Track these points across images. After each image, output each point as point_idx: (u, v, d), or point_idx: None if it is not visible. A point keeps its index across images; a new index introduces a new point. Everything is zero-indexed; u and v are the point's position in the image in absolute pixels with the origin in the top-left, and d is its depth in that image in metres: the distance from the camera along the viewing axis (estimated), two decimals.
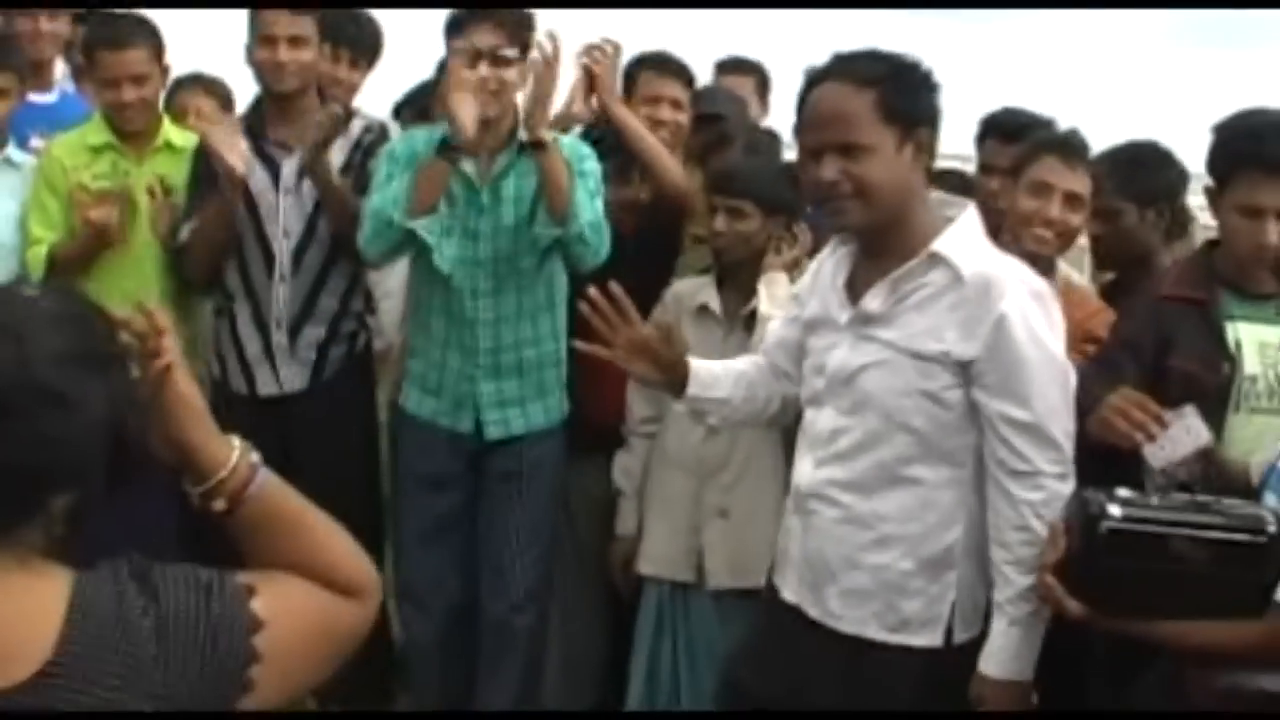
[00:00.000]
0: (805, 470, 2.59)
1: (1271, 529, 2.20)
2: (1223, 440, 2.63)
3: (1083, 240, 3.52)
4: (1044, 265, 3.03)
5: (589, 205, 3.37)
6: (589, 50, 3.97)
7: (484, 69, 3.37)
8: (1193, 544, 2.21)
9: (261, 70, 3.75)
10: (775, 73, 4.86)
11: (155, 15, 3.95)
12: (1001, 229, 3.09)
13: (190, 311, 3.98)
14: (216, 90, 4.49)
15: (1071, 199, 3.15)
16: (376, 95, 4.44)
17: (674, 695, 3.48)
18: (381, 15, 4.35)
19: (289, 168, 3.75)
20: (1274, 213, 2.66)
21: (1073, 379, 2.44)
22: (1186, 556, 2.22)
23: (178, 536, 2.89)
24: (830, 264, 2.62)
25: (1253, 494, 2.38)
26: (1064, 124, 3.46)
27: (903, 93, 2.40)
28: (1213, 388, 2.67)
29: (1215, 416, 2.62)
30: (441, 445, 3.60)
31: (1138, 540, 2.22)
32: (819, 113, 2.44)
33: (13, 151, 3.93)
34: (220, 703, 1.35)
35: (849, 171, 2.40)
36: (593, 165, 3.49)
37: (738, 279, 3.48)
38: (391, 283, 4.07)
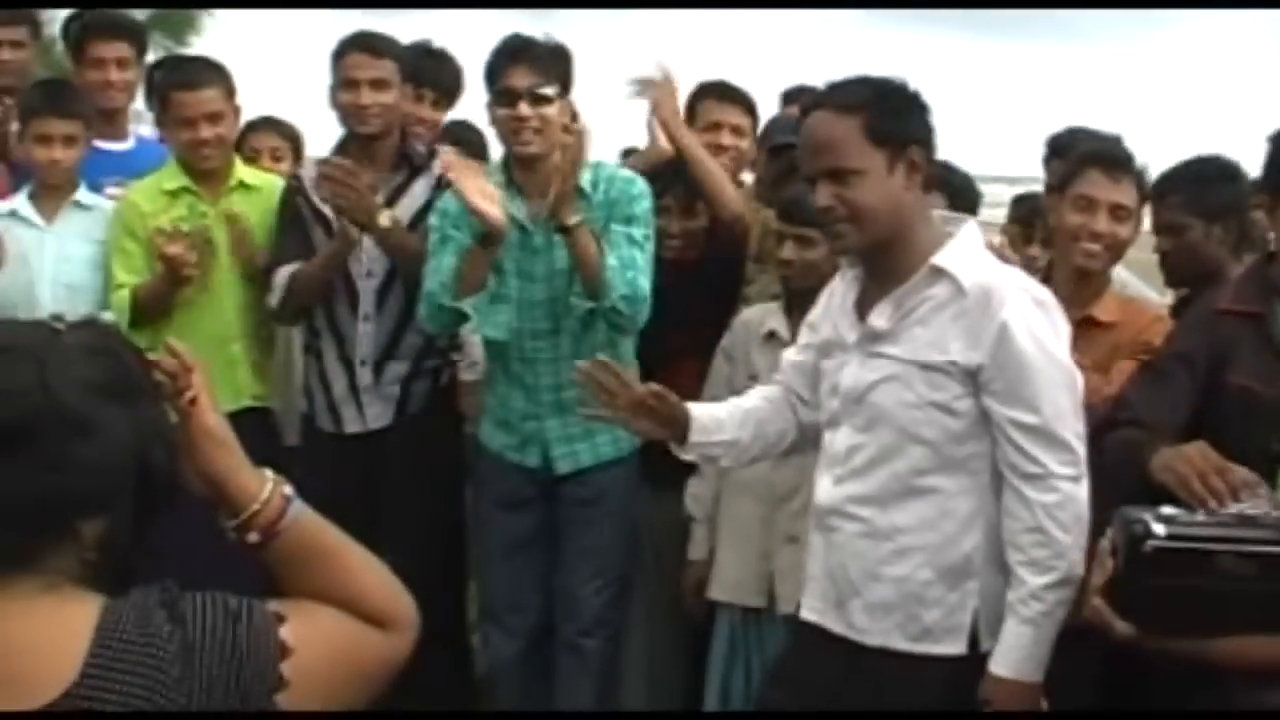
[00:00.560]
0: (825, 488, 2.65)
1: None
2: None
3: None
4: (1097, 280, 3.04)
5: (620, 275, 3.37)
6: (644, 85, 4.02)
7: (524, 108, 3.45)
8: (1240, 559, 2.18)
9: (345, 113, 3.85)
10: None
11: (224, 58, 4.10)
12: None
13: (270, 349, 4.09)
14: (287, 133, 4.64)
15: (1117, 211, 3.13)
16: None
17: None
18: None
19: None
20: None
21: (1079, 382, 2.48)
22: (1234, 572, 2.18)
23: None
24: (841, 288, 2.69)
25: None
26: (1142, 146, 3.46)
27: (888, 115, 2.48)
28: (1270, 403, 2.63)
29: (1272, 432, 2.58)
30: (514, 471, 3.68)
31: (1183, 558, 2.18)
32: (811, 141, 2.53)
33: (82, 195, 4.04)
34: None
35: (842, 196, 2.48)
36: (644, 207, 3.53)
37: (806, 306, 3.49)
38: None
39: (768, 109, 4.41)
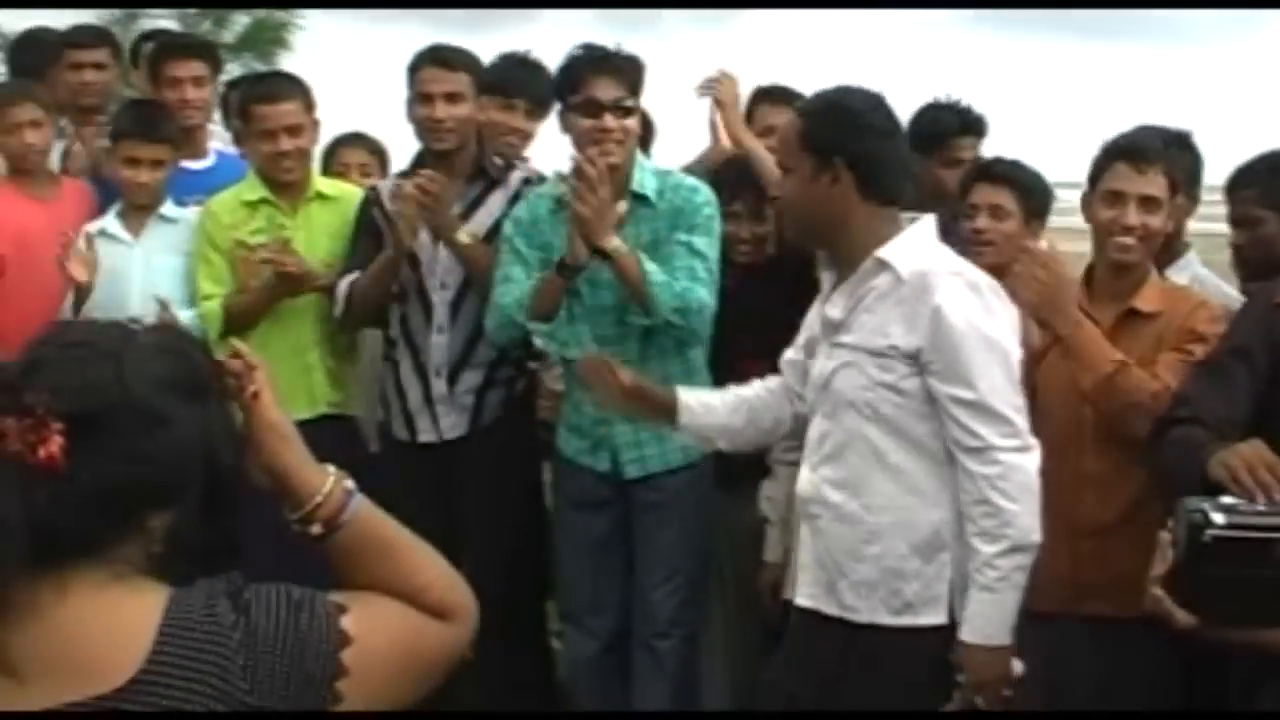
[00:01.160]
0: (804, 476, 2.82)
1: None
2: None
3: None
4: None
5: (668, 290, 3.41)
6: (709, 83, 4.09)
7: (610, 120, 3.49)
8: None
9: (421, 126, 3.92)
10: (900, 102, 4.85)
11: (312, 76, 4.19)
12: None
13: (349, 357, 4.17)
14: (373, 147, 4.74)
15: (1146, 202, 3.11)
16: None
17: None
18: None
19: None
20: None
21: (1014, 359, 2.65)
22: None
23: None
24: (825, 287, 2.84)
25: None
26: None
27: (826, 126, 2.70)
28: None
29: None
30: (587, 474, 3.73)
31: (1243, 547, 2.18)
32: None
33: (167, 208, 4.15)
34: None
35: (781, 188, 2.84)
36: (707, 215, 3.56)
37: None
38: None
39: None
